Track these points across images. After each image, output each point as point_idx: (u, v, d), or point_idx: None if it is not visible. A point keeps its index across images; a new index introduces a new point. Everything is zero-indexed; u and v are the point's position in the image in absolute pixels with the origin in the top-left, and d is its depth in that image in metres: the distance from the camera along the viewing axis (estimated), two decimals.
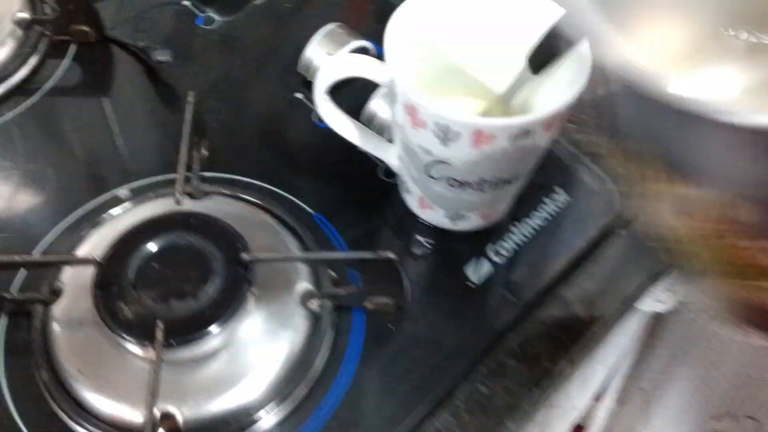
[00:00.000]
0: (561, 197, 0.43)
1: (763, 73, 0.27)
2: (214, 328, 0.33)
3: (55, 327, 0.35)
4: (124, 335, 0.32)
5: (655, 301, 0.68)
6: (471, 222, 0.41)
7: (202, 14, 0.51)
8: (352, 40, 0.46)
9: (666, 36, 0.28)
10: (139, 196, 0.41)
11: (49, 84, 0.47)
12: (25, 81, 0.47)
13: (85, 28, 0.47)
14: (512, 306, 0.39)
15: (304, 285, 0.37)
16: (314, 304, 0.37)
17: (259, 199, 0.41)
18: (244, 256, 0.34)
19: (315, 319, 0.37)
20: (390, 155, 0.40)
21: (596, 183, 0.44)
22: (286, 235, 0.39)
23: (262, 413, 0.34)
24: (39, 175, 0.43)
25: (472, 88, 0.41)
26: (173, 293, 0.34)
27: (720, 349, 0.70)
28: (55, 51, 0.48)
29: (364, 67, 0.35)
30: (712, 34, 0.28)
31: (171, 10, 0.52)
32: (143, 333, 0.32)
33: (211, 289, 0.34)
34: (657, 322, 0.79)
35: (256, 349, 0.35)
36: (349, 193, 0.43)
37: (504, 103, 0.39)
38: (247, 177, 0.43)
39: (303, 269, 0.38)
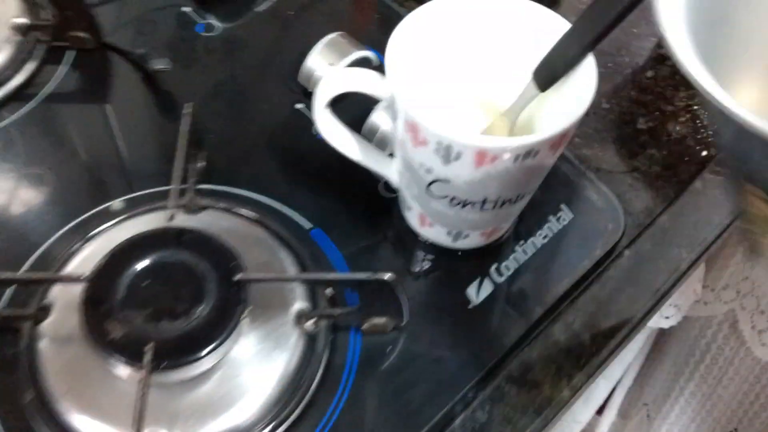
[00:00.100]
0: (566, 215, 0.42)
1: None
2: (205, 351, 0.32)
3: (43, 345, 0.34)
4: (112, 356, 0.31)
5: (661, 317, 0.67)
6: (473, 240, 0.40)
7: (202, 21, 0.50)
8: (355, 49, 0.45)
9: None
10: (133, 208, 0.40)
11: (46, 90, 0.47)
12: (22, 87, 0.46)
13: (83, 34, 0.46)
14: (513, 328, 0.38)
15: (299, 304, 0.36)
16: (309, 324, 0.36)
17: (256, 214, 0.40)
18: (238, 276, 0.33)
19: (310, 339, 0.36)
20: (391, 171, 0.39)
21: (602, 200, 0.43)
22: (282, 251, 0.38)
23: None
24: (34, 185, 0.42)
25: (477, 102, 0.40)
26: (164, 313, 0.33)
27: (726, 366, 0.69)
28: (53, 57, 0.47)
29: (364, 82, 0.34)
30: None
31: (171, 17, 0.51)
32: (132, 354, 0.31)
33: (204, 310, 0.33)
34: (662, 338, 0.77)
35: (250, 371, 0.34)
36: (349, 208, 0.42)
37: (510, 119, 0.37)
38: (245, 190, 0.42)
39: (299, 288, 0.37)
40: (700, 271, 0.62)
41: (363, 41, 0.47)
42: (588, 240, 0.41)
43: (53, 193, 0.41)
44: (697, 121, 0.48)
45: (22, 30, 0.47)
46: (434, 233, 0.40)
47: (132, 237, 0.34)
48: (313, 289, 0.37)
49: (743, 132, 0.22)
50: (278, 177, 0.43)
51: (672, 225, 0.43)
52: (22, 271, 0.37)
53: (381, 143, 0.43)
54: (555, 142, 0.32)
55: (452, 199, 0.35)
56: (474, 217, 0.37)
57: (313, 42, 0.45)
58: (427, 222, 0.39)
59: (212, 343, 0.32)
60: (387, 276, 0.33)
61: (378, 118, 0.42)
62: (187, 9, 0.51)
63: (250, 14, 0.51)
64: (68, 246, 0.38)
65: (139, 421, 0.30)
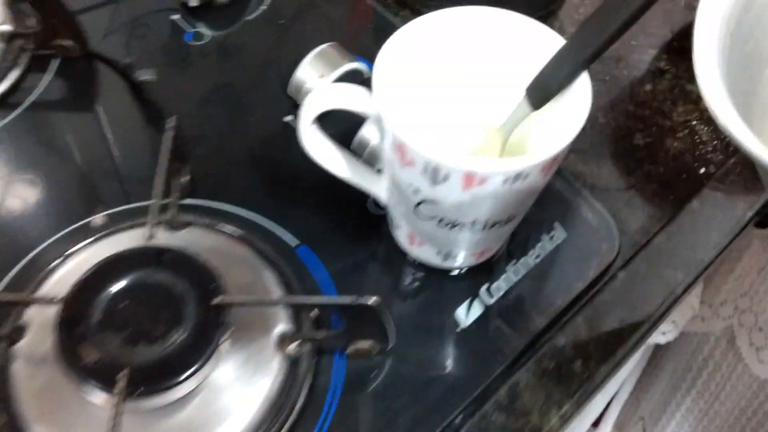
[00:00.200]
0: (559, 234, 0.41)
1: None
2: (182, 377, 0.31)
3: (16, 367, 0.33)
4: (86, 382, 0.30)
5: (658, 332, 0.66)
6: (463, 260, 0.39)
7: (191, 29, 0.49)
8: (346, 61, 0.44)
9: None
10: (115, 224, 0.39)
11: (30, 99, 0.46)
12: (6, 95, 0.45)
13: (68, 42, 0.45)
14: (502, 353, 0.37)
15: (282, 326, 0.35)
16: (292, 348, 0.35)
17: (241, 231, 0.39)
18: (218, 299, 0.32)
19: (293, 362, 0.35)
20: (379, 189, 0.38)
21: (596, 219, 0.42)
22: (265, 271, 0.37)
23: None
24: (15, 197, 0.41)
25: (469, 118, 0.39)
26: (141, 337, 0.32)
27: (723, 382, 0.68)
28: (38, 65, 0.46)
29: (350, 100, 0.33)
30: None
31: (160, 25, 0.50)
32: (106, 380, 0.30)
33: (182, 334, 0.32)
34: (659, 351, 0.76)
35: (230, 395, 0.33)
36: (337, 225, 0.41)
37: (502, 136, 0.36)
38: (231, 205, 0.41)
39: (282, 310, 0.36)
40: (697, 287, 0.61)
41: (356, 51, 0.46)
42: (581, 260, 0.40)
43: (34, 207, 0.40)
44: (696, 137, 0.47)
45: (6, 38, 0.46)
46: (423, 253, 0.39)
47: (109, 257, 0.33)
48: (297, 310, 0.36)
49: None
50: (265, 192, 0.42)
51: (668, 246, 0.42)
52: None
53: (372, 158, 0.42)
54: (546, 165, 0.31)
55: (441, 219, 0.34)
56: (463, 237, 0.36)
57: (304, 52, 0.44)
58: (416, 241, 0.38)
59: (189, 368, 0.31)
60: (371, 300, 0.32)
61: (369, 132, 0.41)
62: (176, 17, 0.50)
63: (240, 23, 0.50)
64: (46, 264, 0.37)
65: None
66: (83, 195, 0.41)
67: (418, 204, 0.34)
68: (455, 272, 0.40)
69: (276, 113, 0.45)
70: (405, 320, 0.38)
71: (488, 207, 0.33)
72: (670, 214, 0.43)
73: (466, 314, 0.38)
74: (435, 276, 0.39)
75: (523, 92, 0.35)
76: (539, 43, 0.34)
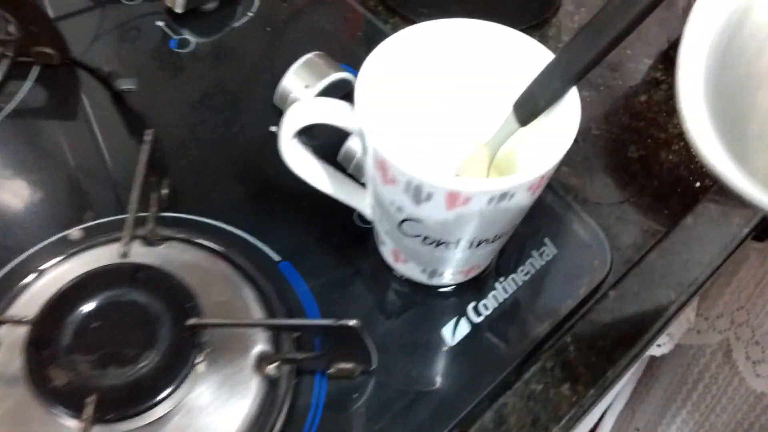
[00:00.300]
0: (549, 250, 0.40)
1: None
2: (154, 401, 0.30)
3: None
4: (54, 406, 0.29)
5: (654, 345, 0.65)
6: (450, 278, 0.38)
7: (176, 36, 0.48)
8: (332, 71, 0.43)
9: None
10: (93, 237, 0.38)
11: (10, 107, 0.44)
12: None
13: (48, 50, 0.44)
14: (489, 374, 0.35)
15: (261, 346, 0.34)
16: (271, 368, 0.34)
17: (222, 246, 0.38)
18: (193, 320, 0.31)
19: (272, 383, 0.34)
20: (364, 204, 0.37)
21: (588, 235, 0.41)
22: (246, 288, 0.36)
23: None
24: None
25: (457, 132, 0.38)
26: (112, 359, 0.31)
27: (719, 395, 0.67)
28: (18, 72, 0.45)
29: (332, 115, 0.32)
30: None
31: (145, 31, 0.48)
32: (74, 404, 0.29)
33: (155, 356, 0.31)
34: (654, 362, 0.75)
35: (207, 418, 0.32)
36: (321, 239, 0.40)
37: (490, 151, 0.35)
38: (212, 219, 0.40)
39: (261, 330, 0.34)
40: (693, 301, 0.60)
41: (345, 60, 0.45)
42: (572, 278, 0.39)
43: (8, 219, 0.39)
44: (691, 150, 0.46)
45: None
46: (409, 269, 0.38)
47: (80, 276, 0.32)
48: (277, 330, 0.35)
49: None
50: (248, 205, 0.41)
51: (661, 263, 0.41)
52: None
53: (358, 170, 0.41)
54: (533, 184, 0.30)
55: (425, 238, 0.33)
56: (449, 255, 0.35)
57: (291, 60, 0.43)
58: (401, 258, 0.37)
59: (162, 392, 0.30)
60: (352, 322, 0.31)
61: (356, 143, 0.40)
62: (161, 23, 0.49)
63: (226, 29, 0.49)
64: (19, 279, 0.35)
65: None
66: (60, 207, 0.40)
67: (402, 221, 0.33)
68: (442, 289, 0.38)
69: (262, 123, 0.44)
70: (389, 338, 0.37)
71: (474, 226, 0.32)
72: (664, 230, 0.42)
73: (453, 333, 0.37)
74: (421, 293, 0.38)
75: (510, 107, 0.34)
76: (527, 56, 0.33)
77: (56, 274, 0.35)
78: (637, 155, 0.46)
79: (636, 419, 0.80)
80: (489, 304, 0.38)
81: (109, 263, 0.33)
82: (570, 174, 0.44)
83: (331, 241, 0.40)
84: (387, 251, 0.38)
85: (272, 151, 0.43)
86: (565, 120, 0.31)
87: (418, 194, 0.30)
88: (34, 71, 0.46)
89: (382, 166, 0.30)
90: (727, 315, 0.61)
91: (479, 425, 0.34)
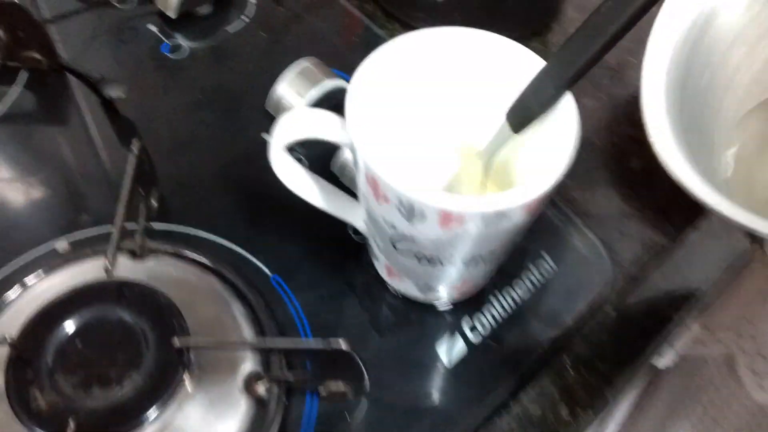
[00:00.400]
0: (549, 265, 0.39)
1: None
2: (139, 423, 0.29)
3: None
4: (35, 428, 0.28)
5: (655, 355, 0.63)
6: (445, 295, 0.37)
7: (169, 41, 0.47)
8: (326, 78, 0.42)
9: None
10: (79, 250, 0.37)
11: None
12: None
13: (36, 55, 0.43)
14: (485, 396, 0.34)
15: (250, 366, 0.33)
16: (261, 389, 0.33)
17: (211, 259, 0.37)
18: (179, 341, 0.30)
19: (262, 403, 0.33)
20: (357, 218, 0.36)
21: (588, 249, 0.40)
22: (235, 304, 0.35)
23: None
24: None
25: (451, 143, 0.37)
26: (95, 380, 0.30)
27: (722, 407, 0.66)
28: (6, 77, 0.44)
29: (323, 129, 0.31)
30: None
31: (136, 35, 0.47)
32: (56, 426, 0.28)
33: (139, 377, 0.30)
34: (656, 374, 0.74)
35: None
36: (315, 252, 0.39)
37: (484, 161, 0.34)
38: (203, 230, 0.39)
39: (250, 349, 0.33)
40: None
41: (341, 66, 0.44)
42: (572, 294, 0.38)
43: None
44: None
45: None
46: (403, 285, 0.37)
47: (64, 293, 0.31)
48: (266, 350, 0.34)
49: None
50: (240, 216, 0.40)
51: (663, 280, 0.40)
52: None
53: (353, 181, 0.40)
54: (530, 205, 0.28)
55: (419, 255, 0.32)
56: (444, 273, 0.34)
57: (286, 65, 0.42)
58: (395, 274, 0.36)
59: (146, 414, 0.29)
60: (344, 346, 0.30)
61: (349, 153, 0.39)
62: (153, 27, 0.48)
63: (220, 34, 0.48)
64: (1, 293, 0.35)
65: None
66: (47, 217, 0.39)
67: (395, 239, 0.32)
68: (438, 305, 0.37)
69: (255, 130, 0.43)
70: (383, 356, 0.36)
71: (469, 245, 0.30)
72: (666, 245, 0.41)
73: (448, 352, 0.36)
74: (416, 310, 0.37)
75: (503, 116, 0.32)
76: (523, 66, 0.32)
77: (41, 289, 0.34)
78: (640, 167, 0.44)
79: (638, 429, 0.79)
80: (486, 322, 0.37)
81: (94, 280, 0.32)
82: (571, 186, 0.43)
83: (325, 255, 0.39)
84: (381, 266, 0.37)
85: (265, 160, 0.42)
86: (562, 130, 0.30)
87: (410, 212, 0.29)
88: (23, 76, 0.45)
89: (374, 183, 0.29)
90: (732, 327, 0.60)
91: None
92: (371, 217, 0.33)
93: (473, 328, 0.37)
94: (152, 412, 0.29)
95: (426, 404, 0.34)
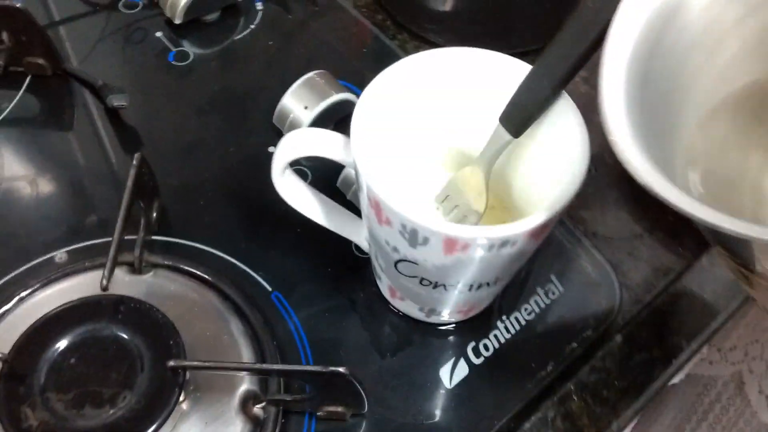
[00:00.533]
0: (555, 288, 0.38)
1: None
2: None
3: None
4: None
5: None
6: (448, 317, 0.36)
7: (175, 48, 0.47)
8: (334, 91, 0.41)
9: None
10: (77, 262, 0.36)
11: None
12: None
13: (40, 60, 0.42)
14: (488, 422, 0.34)
15: (247, 387, 0.33)
16: (258, 409, 0.32)
17: (211, 274, 0.36)
18: (172, 362, 0.29)
19: (258, 424, 0.32)
20: (360, 237, 0.35)
21: (596, 272, 0.39)
22: (234, 321, 0.34)
23: None
24: None
25: (455, 159, 0.36)
26: (88, 399, 0.29)
27: (729, 427, 0.65)
28: (10, 82, 0.44)
29: (326, 148, 0.30)
30: None
31: (142, 42, 0.47)
32: None
33: (133, 397, 0.29)
34: (664, 391, 0.73)
35: None
36: (317, 269, 0.38)
37: (482, 168, 0.33)
38: (204, 244, 0.38)
39: None
40: None
41: (348, 77, 0.43)
42: (578, 319, 0.37)
43: None
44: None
45: None
46: (406, 306, 0.36)
47: (58, 309, 0.30)
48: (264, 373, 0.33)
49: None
50: (243, 230, 0.39)
51: (673, 307, 0.39)
52: None
53: (357, 197, 0.39)
54: (536, 231, 0.28)
55: (422, 279, 0.31)
56: (448, 297, 0.33)
57: (294, 76, 0.42)
58: (398, 295, 0.35)
59: None
60: (342, 369, 0.29)
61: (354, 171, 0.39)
62: (159, 34, 0.47)
63: (227, 42, 0.47)
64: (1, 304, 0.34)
65: None
66: (46, 226, 0.38)
67: (398, 262, 0.31)
68: (442, 327, 0.37)
69: (261, 143, 0.43)
70: (384, 377, 0.35)
71: (473, 271, 0.30)
72: (677, 269, 0.40)
73: (451, 374, 0.35)
74: (419, 330, 0.37)
75: (496, 121, 0.32)
76: (511, 72, 0.31)
77: (36, 302, 0.34)
78: None
79: None
80: (490, 344, 0.36)
81: (90, 295, 0.31)
82: (579, 206, 0.42)
83: (327, 271, 0.38)
84: (384, 286, 0.36)
85: (269, 173, 0.41)
86: (563, 134, 0.30)
87: (414, 238, 0.28)
88: (27, 81, 0.44)
89: (377, 206, 0.28)
90: (741, 347, 0.59)
91: None
92: (374, 238, 0.32)
93: (476, 351, 0.36)
94: None
95: (425, 426, 0.34)
